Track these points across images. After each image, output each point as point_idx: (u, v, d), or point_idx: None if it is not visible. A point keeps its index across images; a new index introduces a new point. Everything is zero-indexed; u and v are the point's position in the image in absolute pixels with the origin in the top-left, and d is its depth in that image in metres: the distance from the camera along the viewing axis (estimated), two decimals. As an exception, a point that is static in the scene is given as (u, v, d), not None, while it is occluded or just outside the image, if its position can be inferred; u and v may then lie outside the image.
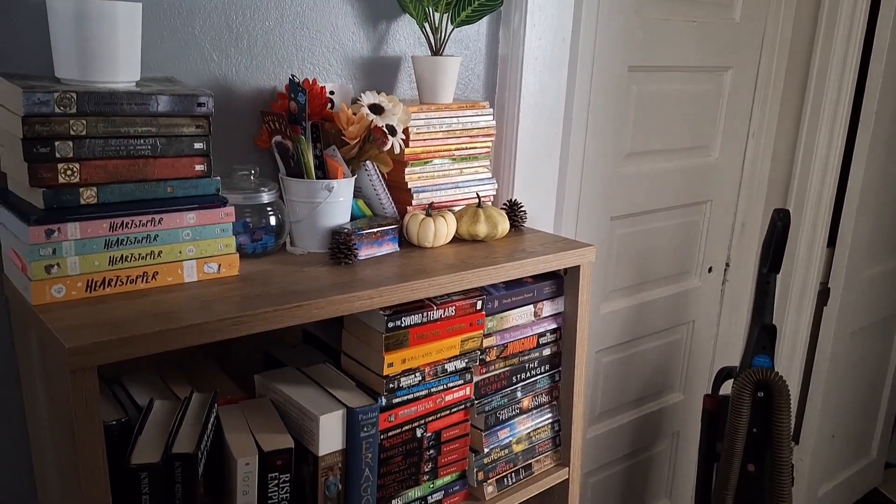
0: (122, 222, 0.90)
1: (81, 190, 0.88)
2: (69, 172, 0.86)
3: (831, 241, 2.16)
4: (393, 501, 1.13)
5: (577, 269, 1.24)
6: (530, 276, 1.25)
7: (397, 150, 1.14)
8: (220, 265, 0.98)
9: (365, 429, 1.03)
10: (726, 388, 1.92)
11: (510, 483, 1.28)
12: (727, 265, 2.11)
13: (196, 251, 0.96)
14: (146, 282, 0.92)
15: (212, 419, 0.96)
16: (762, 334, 1.72)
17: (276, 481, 0.96)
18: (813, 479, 2.34)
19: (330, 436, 1.01)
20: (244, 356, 1.23)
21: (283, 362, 1.17)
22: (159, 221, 0.92)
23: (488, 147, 1.31)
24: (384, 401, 1.07)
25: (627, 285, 1.89)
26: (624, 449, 2.05)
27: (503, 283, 1.21)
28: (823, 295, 2.18)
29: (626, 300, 1.90)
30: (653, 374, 2.06)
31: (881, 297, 2.35)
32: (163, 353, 1.15)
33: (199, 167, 0.95)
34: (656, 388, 2.09)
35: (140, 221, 0.91)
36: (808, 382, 2.27)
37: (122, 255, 0.91)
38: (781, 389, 1.66)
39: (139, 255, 0.92)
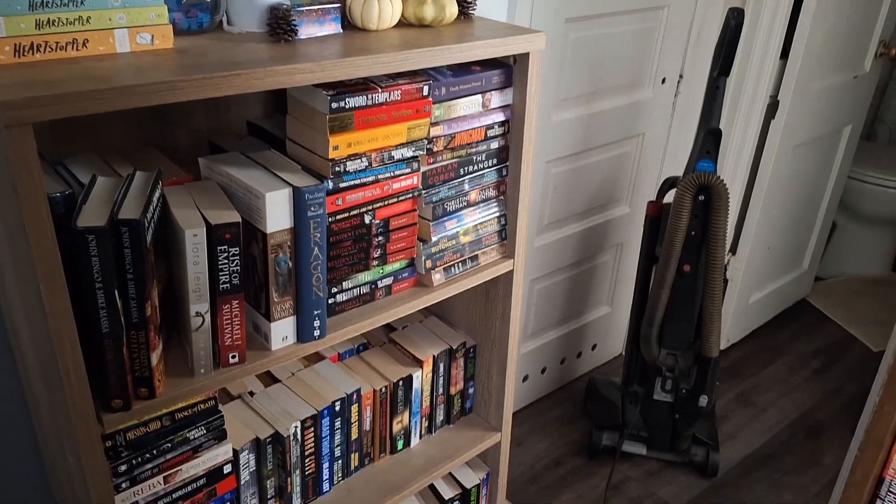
0: (44, -17, 0.85)
1: (-6, -56, 0.82)
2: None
3: (784, 54, 2.16)
4: (344, 283, 1.18)
5: (526, 58, 1.23)
6: (479, 65, 1.23)
7: (338, -77, 1.07)
8: (153, 36, 0.94)
9: (312, 208, 1.05)
10: (671, 196, 1.99)
11: (457, 272, 1.34)
12: (681, 76, 2.11)
13: (127, 19, 0.91)
14: (77, 49, 0.89)
15: (157, 194, 0.97)
16: (707, 138, 1.76)
17: (226, 254, 0.99)
18: (745, 287, 2.50)
19: (277, 214, 1.03)
20: (188, 145, 1.22)
21: (228, 151, 1.16)
22: (84, -15, 0.87)
23: (437, -72, 1.24)
24: (331, 184, 1.09)
25: (579, 94, 1.89)
26: (569, 258, 2.14)
27: (451, 71, 1.20)
28: (772, 108, 2.22)
29: (577, 109, 1.91)
30: (601, 186, 2.11)
31: (827, 112, 2.40)
32: (104, 137, 1.14)
33: (122, -74, 0.88)
34: (604, 201, 2.15)
35: (63, -17, 0.86)
36: (749, 194, 2.36)
37: (48, 19, 0.86)
38: (721, 192, 1.73)
39: (66, 19, 0.87)
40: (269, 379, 1.38)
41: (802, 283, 2.84)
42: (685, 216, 1.75)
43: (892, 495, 0.78)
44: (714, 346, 1.89)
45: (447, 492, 1.58)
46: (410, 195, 1.21)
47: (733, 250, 2.44)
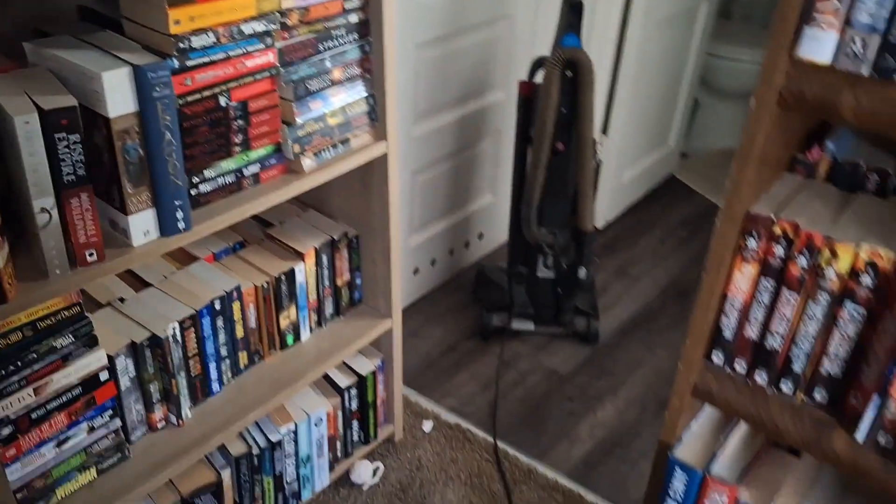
0: None
1: None
2: None
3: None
4: (205, 171, 1.12)
5: (376, -79, 1.17)
6: (327, -69, 1.16)
7: None
8: None
9: (157, 89, 0.97)
10: (542, 77, 2.00)
11: (328, 157, 1.30)
12: (543, -46, 2.09)
13: None
14: None
15: (-26, 79, 0.87)
16: (570, 12, 1.77)
17: (66, 143, 0.91)
18: (618, 166, 2.59)
19: (118, 96, 0.95)
20: (11, 34, 1.10)
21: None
22: None
23: None
24: (176, 62, 1.01)
25: (443, -26, 1.84)
26: (448, 147, 2.14)
27: (297, -63, 1.13)
28: (633, -16, 2.25)
29: (442, -10, 1.86)
30: (473, 71, 2.09)
31: (685, -10, 2.46)
32: None
33: None
34: (478, 87, 2.14)
35: None
36: (616, 74, 2.41)
37: None
38: (586, 66, 1.76)
39: None
40: (139, 284, 1.32)
41: (670, 160, 2.98)
42: (554, 93, 1.78)
43: (734, 310, 0.85)
44: (588, 221, 1.97)
45: (343, 381, 1.60)
46: (268, 74, 1.15)
47: (605, 130, 2.51)
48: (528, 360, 2.12)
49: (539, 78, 1.94)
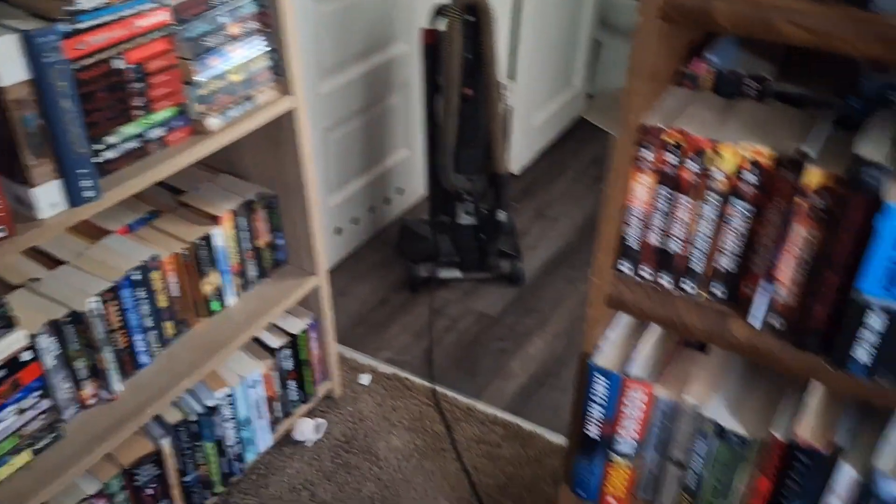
0: None
1: None
2: None
3: None
4: (108, 138, 1.10)
5: None
6: None
7: None
8: None
9: (48, 55, 0.94)
10: (443, 24, 2.01)
11: (234, 115, 1.29)
12: None
13: None
14: None
15: None
16: (465, -43, 1.78)
17: (-46, 114, 0.88)
18: (527, 110, 2.65)
19: (8, 65, 0.92)
20: None
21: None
22: None
23: None
24: (66, 26, 0.98)
25: (335, -74, 1.82)
26: (358, 103, 2.13)
27: None
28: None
29: (336, -57, 1.84)
30: (375, 24, 2.09)
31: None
32: None
33: None
34: (381, 39, 2.14)
35: None
36: (519, 18, 2.45)
37: None
38: (486, 9, 1.78)
39: None
40: (52, 262, 1.29)
41: (577, 102, 3.06)
42: (457, 39, 1.80)
43: (636, 219, 0.91)
44: (502, 164, 2.02)
45: (275, 342, 1.61)
46: (162, 33, 1.13)
47: (513, 76, 2.55)
48: (457, 306, 2.18)
49: (441, 25, 1.95)
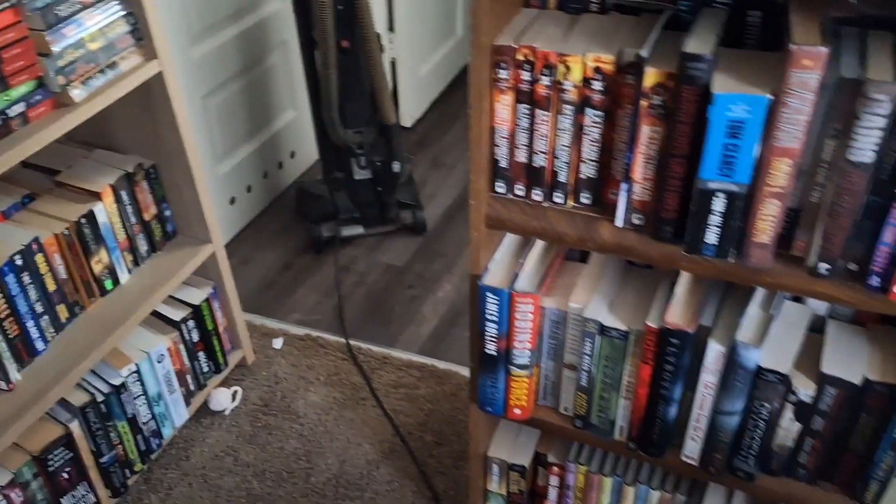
0: None
1: None
2: None
3: None
4: (-40, 116, 1.06)
5: None
6: None
7: None
8: None
9: None
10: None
11: (98, 84, 1.25)
12: None
13: None
14: None
15: None
16: None
17: None
18: (412, 61, 2.65)
19: None
20: None
21: None
22: None
23: None
24: None
25: None
26: (236, 66, 2.09)
27: None
28: None
29: None
30: (244, -15, 2.04)
31: None
32: None
33: None
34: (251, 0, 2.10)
35: None
36: (388, -31, 2.44)
37: None
38: (351, -42, 1.78)
39: None
40: (-78, 256, 1.23)
41: (461, 50, 3.08)
42: (327, -9, 1.78)
43: (503, 139, 0.95)
44: (389, 113, 2.03)
45: (176, 314, 1.59)
46: (8, 4, 1.08)
47: (391, 27, 2.55)
48: (364, 261, 2.20)
49: (310, -20, 1.93)
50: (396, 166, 2.13)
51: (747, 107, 0.77)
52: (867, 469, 0.99)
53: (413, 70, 2.67)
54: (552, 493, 1.35)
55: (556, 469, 1.32)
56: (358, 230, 2.24)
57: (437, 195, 2.46)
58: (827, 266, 0.84)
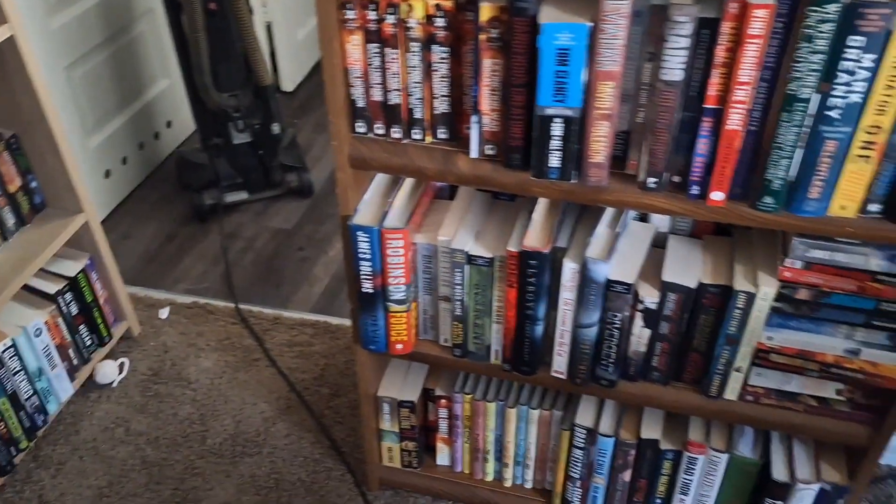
0: None
1: None
2: None
3: None
4: None
5: None
6: None
7: None
8: None
9: None
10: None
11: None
12: None
13: None
14: None
15: None
16: None
17: None
18: (288, 25, 2.63)
19: None
20: None
21: None
22: None
23: None
24: None
25: None
26: (99, 35, 2.02)
27: None
28: None
29: None
30: (99, -53, 1.97)
31: None
32: None
33: None
34: (110, -36, 2.02)
35: None
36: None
37: None
38: (209, -85, 1.74)
39: None
40: None
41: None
42: (186, -50, 1.75)
43: (358, 79, 0.98)
44: (264, 74, 2.02)
45: (51, 287, 1.55)
46: None
47: (263, -9, 2.51)
48: (251, 227, 2.19)
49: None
50: (276, 128, 2.13)
51: (571, 34, 0.84)
52: (710, 365, 1.10)
53: (290, 34, 2.64)
54: (442, 425, 1.42)
55: (443, 401, 1.39)
56: (242, 196, 2.22)
57: (323, 157, 2.47)
58: (654, 180, 0.93)
